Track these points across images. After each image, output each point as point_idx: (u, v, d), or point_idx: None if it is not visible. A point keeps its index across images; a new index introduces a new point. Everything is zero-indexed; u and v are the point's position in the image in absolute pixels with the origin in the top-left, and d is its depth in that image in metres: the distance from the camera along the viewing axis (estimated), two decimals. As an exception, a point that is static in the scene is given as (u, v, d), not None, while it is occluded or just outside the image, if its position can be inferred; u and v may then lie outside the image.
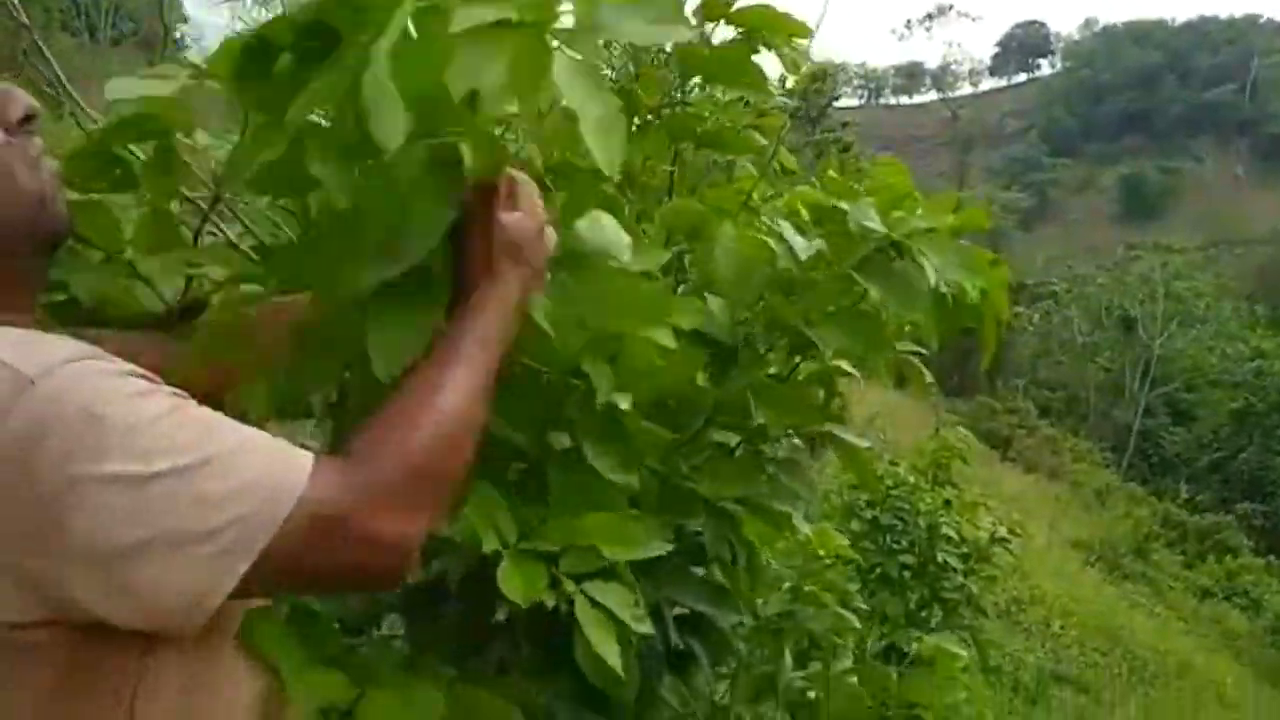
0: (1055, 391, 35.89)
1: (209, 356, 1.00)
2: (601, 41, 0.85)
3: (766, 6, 1.27)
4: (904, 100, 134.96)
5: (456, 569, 1.22)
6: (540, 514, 1.10)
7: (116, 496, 0.69)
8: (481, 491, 1.06)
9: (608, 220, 1.10)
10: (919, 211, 1.41)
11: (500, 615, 1.08)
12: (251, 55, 0.84)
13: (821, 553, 2.25)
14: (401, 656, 1.29)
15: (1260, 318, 39.80)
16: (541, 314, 1.00)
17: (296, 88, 0.76)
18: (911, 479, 5.53)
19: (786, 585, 2.15)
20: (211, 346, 1.01)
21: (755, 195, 1.55)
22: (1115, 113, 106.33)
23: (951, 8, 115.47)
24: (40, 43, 1.53)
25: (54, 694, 0.73)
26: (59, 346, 0.73)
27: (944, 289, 1.32)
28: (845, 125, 23.21)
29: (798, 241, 1.38)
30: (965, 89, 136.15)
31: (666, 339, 1.10)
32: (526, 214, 0.94)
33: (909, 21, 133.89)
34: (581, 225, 1.08)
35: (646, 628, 1.03)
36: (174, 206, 1.22)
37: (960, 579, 5.26)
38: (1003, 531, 5.47)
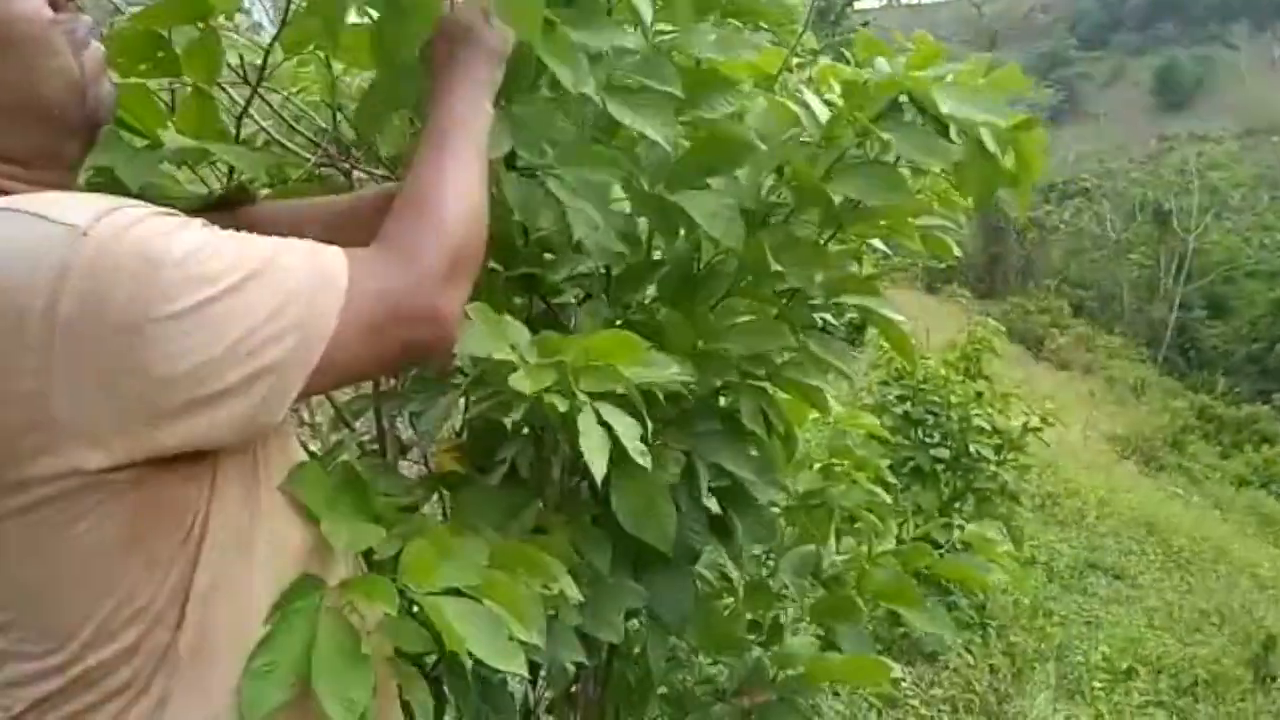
0: (1089, 289, 35.44)
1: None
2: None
3: None
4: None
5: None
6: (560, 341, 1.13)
7: (184, 327, 0.73)
8: (500, 321, 1.10)
9: None
10: (947, 73, 1.40)
11: (515, 415, 1.11)
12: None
13: (851, 431, 2.28)
14: (441, 523, 1.35)
15: (1298, 205, 38.85)
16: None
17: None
18: (943, 372, 5.53)
19: (817, 465, 2.18)
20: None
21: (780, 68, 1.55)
22: (1145, 1, 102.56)
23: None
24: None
25: (121, 533, 0.76)
26: (97, 199, 0.76)
27: (960, 139, 1.31)
28: (865, 25, 22.59)
29: (819, 107, 1.39)
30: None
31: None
32: (468, 3, 1.08)
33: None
34: None
35: (647, 461, 1.06)
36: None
37: (994, 468, 5.30)
38: (1035, 421, 5.49)
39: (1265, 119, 71.30)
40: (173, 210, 0.79)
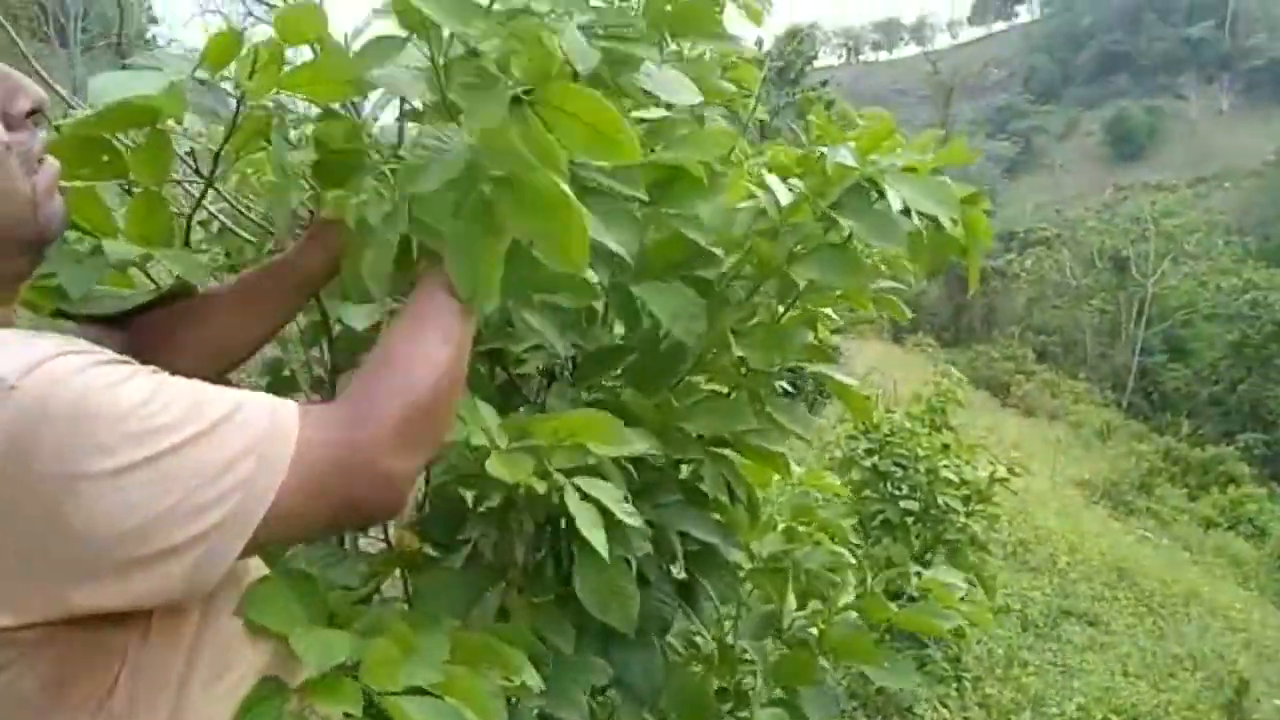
0: (1052, 335, 35.94)
1: None
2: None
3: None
4: (883, 56, 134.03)
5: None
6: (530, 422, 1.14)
7: (117, 487, 0.68)
8: (471, 405, 1.11)
9: None
10: (899, 151, 1.46)
11: (493, 502, 1.11)
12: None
13: (814, 493, 2.29)
14: (403, 613, 1.34)
15: (1251, 250, 39.84)
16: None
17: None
18: (909, 425, 5.58)
19: (780, 526, 2.19)
20: None
21: (735, 147, 1.59)
22: (1096, 55, 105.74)
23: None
24: (19, 43, 1.54)
25: (47, 680, 0.72)
26: (33, 345, 0.70)
27: (918, 222, 1.36)
28: (824, 84, 23.08)
29: (780, 189, 1.42)
30: (945, 41, 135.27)
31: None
32: None
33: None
34: None
35: (636, 521, 1.07)
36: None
37: (963, 520, 5.33)
38: (1002, 471, 5.54)
39: (1216, 166, 73.31)
40: (124, 359, 0.75)
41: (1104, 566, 9.79)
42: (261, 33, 1.10)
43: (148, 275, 1.40)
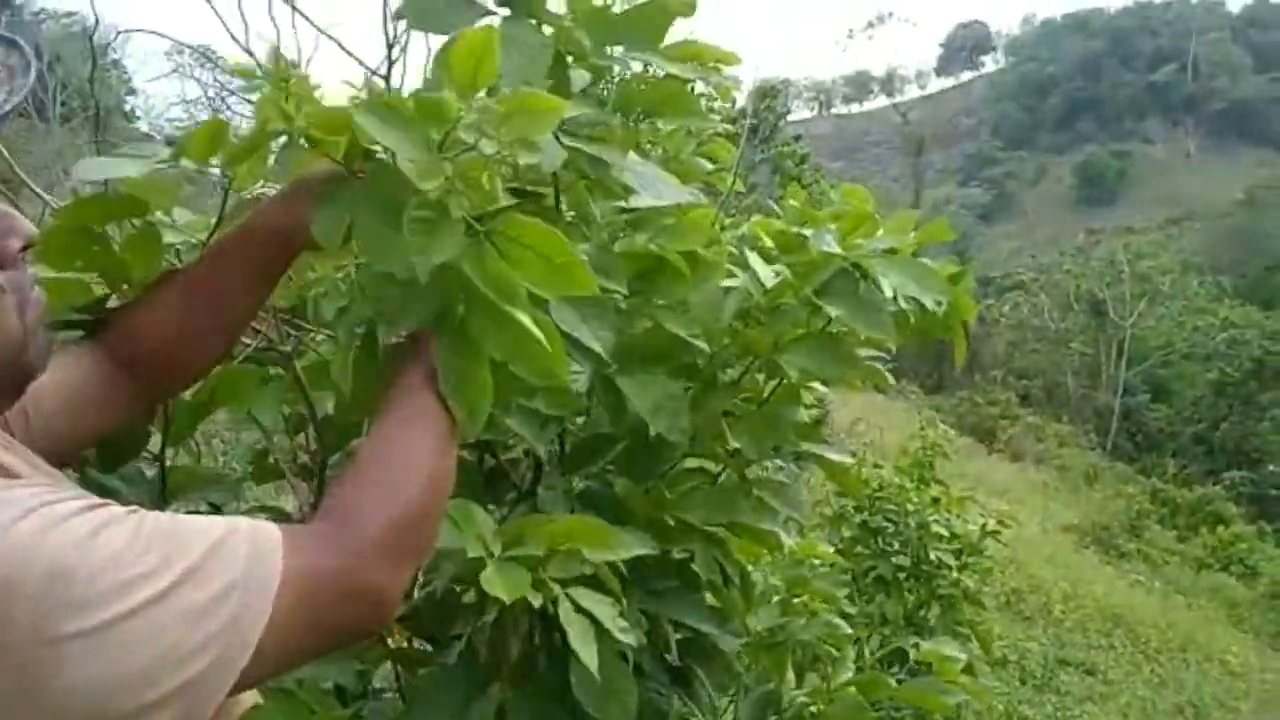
0: (1033, 379, 36.15)
1: None
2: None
3: (692, 41, 1.30)
4: (854, 108, 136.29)
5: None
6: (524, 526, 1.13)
7: (100, 643, 0.66)
8: (464, 509, 1.09)
9: None
10: (880, 232, 1.47)
11: (489, 617, 1.09)
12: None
13: (807, 561, 2.27)
14: (398, 712, 1.32)
15: (1225, 289, 40.40)
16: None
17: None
18: (898, 480, 5.57)
19: (775, 599, 2.16)
20: None
21: (715, 225, 1.60)
22: (1063, 102, 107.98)
23: (891, 15, 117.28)
24: None
25: None
26: (5, 503, 0.69)
27: (905, 306, 1.37)
28: (798, 139, 23.40)
29: (764, 271, 1.43)
30: (914, 92, 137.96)
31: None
32: None
33: (850, 31, 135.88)
34: None
35: (630, 638, 1.06)
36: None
37: (955, 574, 5.30)
38: (992, 523, 5.52)
39: (1185, 208, 74.54)
40: (103, 500, 0.73)
41: (1098, 613, 9.74)
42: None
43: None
